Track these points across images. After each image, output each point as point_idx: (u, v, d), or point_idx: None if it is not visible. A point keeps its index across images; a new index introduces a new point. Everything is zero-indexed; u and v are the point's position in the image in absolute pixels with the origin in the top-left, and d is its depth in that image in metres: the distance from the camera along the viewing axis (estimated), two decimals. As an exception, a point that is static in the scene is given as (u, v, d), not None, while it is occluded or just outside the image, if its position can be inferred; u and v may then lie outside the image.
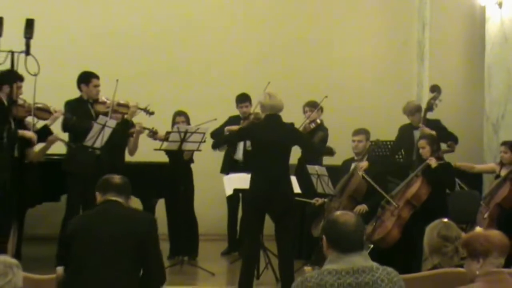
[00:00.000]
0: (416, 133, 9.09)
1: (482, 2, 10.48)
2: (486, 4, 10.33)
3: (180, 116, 9.01)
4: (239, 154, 9.33)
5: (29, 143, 7.91)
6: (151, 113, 8.67)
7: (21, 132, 7.44)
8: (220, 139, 8.63)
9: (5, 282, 3.29)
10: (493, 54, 10.16)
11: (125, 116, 8.55)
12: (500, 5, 10.01)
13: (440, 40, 11.11)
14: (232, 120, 9.36)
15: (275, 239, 7.36)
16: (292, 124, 7.65)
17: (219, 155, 9.52)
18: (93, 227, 4.64)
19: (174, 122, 8.94)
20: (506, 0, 9.92)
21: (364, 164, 8.28)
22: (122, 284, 4.54)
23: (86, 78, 8.35)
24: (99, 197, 4.86)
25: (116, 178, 4.90)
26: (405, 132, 9.34)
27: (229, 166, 9.32)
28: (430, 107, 9.16)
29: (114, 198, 4.79)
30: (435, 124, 9.15)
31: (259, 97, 7.38)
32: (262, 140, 7.16)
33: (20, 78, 7.31)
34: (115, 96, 8.27)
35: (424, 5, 11.28)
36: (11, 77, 7.05)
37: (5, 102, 7.42)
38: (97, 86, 8.36)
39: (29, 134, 7.56)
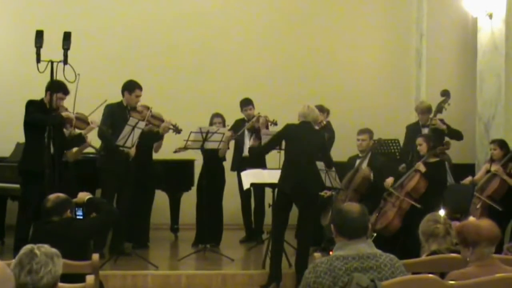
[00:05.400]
0: (425, 131, 9.09)
1: (474, 13, 10.42)
2: (478, 16, 10.28)
3: (217, 117, 9.05)
4: (246, 152, 9.35)
5: (68, 146, 7.96)
6: (179, 131, 8.55)
7: (65, 114, 7.49)
8: (261, 149, 8.43)
9: (46, 272, 3.27)
10: (484, 61, 10.12)
11: (158, 129, 8.52)
12: (490, 16, 9.96)
13: (436, 48, 11.08)
14: (238, 122, 9.40)
15: (296, 228, 7.44)
16: (322, 133, 7.89)
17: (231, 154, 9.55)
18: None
19: (211, 123, 8.96)
20: (496, 12, 9.88)
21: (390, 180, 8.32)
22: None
23: (131, 87, 8.33)
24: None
25: (49, 203, 5.24)
26: (413, 131, 9.26)
27: (238, 163, 9.34)
28: (440, 109, 9.23)
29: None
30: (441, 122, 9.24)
31: (301, 107, 7.57)
32: (295, 140, 7.38)
33: (65, 91, 7.33)
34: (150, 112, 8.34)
35: (421, 17, 11.26)
36: (55, 87, 7.09)
37: (47, 107, 7.47)
38: (138, 96, 8.33)
39: (71, 115, 7.61)
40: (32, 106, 7.47)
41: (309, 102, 7.82)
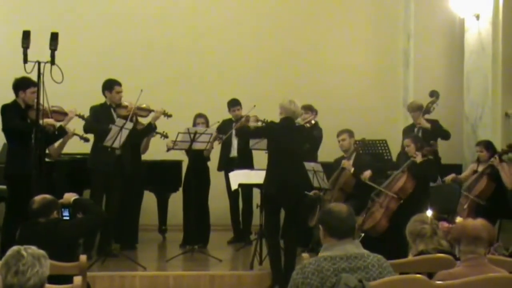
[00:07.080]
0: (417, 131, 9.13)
1: (461, 14, 10.46)
2: (465, 17, 10.33)
3: (201, 118, 9.06)
4: (234, 152, 9.34)
5: (51, 141, 7.92)
6: (170, 116, 8.55)
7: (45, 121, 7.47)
8: (246, 131, 8.26)
9: (32, 273, 3.27)
10: (471, 61, 10.16)
11: (149, 119, 8.51)
12: (477, 17, 10.01)
13: (424, 49, 11.11)
14: (226, 123, 9.38)
15: (282, 229, 7.41)
16: (302, 126, 7.75)
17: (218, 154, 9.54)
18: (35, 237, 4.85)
19: (194, 123, 8.95)
20: (483, 13, 9.92)
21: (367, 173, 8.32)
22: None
23: (109, 85, 8.36)
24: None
25: (36, 204, 5.32)
26: (409, 133, 9.26)
27: (225, 164, 9.33)
28: (428, 110, 9.25)
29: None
30: (433, 123, 9.23)
31: (282, 100, 7.32)
32: (277, 140, 7.26)
33: (34, 84, 7.28)
34: (137, 101, 8.25)
35: (409, 17, 11.30)
36: (25, 84, 7.09)
37: (22, 106, 7.47)
38: (119, 92, 8.34)
39: (52, 121, 7.58)
40: (9, 112, 7.44)
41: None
